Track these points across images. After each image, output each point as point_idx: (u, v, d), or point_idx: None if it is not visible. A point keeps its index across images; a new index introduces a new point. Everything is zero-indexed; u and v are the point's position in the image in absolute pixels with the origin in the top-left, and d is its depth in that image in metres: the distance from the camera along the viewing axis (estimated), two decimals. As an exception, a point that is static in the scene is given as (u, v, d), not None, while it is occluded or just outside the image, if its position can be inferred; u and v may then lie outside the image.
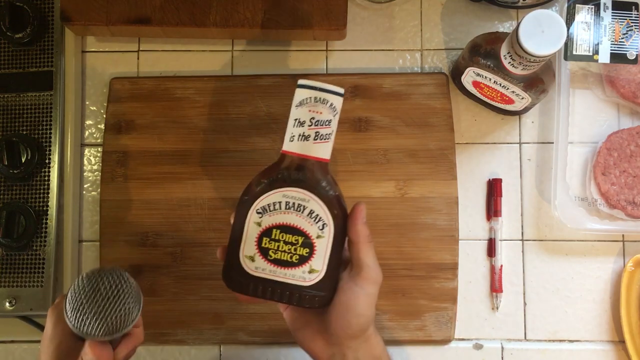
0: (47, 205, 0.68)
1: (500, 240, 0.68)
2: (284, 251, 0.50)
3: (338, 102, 0.51)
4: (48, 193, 0.68)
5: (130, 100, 0.70)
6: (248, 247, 0.50)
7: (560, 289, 0.68)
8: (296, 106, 0.51)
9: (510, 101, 0.64)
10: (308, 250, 0.50)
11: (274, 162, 0.52)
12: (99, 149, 0.71)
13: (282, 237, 0.50)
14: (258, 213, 0.50)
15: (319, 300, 0.50)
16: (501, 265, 0.68)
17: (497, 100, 0.66)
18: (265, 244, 0.50)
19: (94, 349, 0.48)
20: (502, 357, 0.67)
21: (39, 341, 0.59)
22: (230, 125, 0.69)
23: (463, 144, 0.70)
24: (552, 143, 0.67)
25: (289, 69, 0.71)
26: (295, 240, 0.50)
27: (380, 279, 0.50)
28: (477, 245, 0.68)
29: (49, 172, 0.68)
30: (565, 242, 0.68)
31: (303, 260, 0.50)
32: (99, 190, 0.69)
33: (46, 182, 0.68)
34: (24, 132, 0.69)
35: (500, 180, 0.69)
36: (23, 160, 0.67)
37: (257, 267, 0.50)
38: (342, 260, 0.51)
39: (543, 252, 0.68)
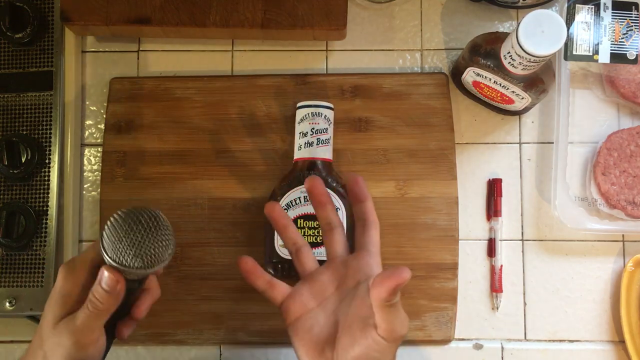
0: (47, 205, 0.68)
1: (500, 240, 0.68)
2: (310, 235, 0.62)
3: (330, 114, 0.64)
4: (48, 193, 0.68)
5: (130, 100, 0.70)
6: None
7: (560, 289, 0.68)
8: (298, 122, 0.64)
9: (510, 101, 0.64)
10: None
11: (289, 170, 0.64)
12: (99, 149, 0.71)
13: (306, 224, 0.62)
14: (284, 210, 0.61)
15: None
16: (501, 265, 0.68)
17: (497, 100, 0.66)
18: None
19: (112, 272, 0.48)
20: (502, 357, 0.67)
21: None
22: (230, 125, 0.69)
23: (463, 144, 0.70)
24: (552, 143, 0.67)
25: (289, 69, 0.71)
26: (317, 224, 0.61)
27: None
28: (477, 245, 0.68)
29: (49, 172, 0.68)
30: (565, 242, 0.68)
31: None
32: (99, 190, 0.69)
33: (46, 182, 0.68)
34: (24, 132, 0.69)
35: (500, 180, 0.69)
36: (23, 160, 0.67)
37: None
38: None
39: (543, 252, 0.68)
